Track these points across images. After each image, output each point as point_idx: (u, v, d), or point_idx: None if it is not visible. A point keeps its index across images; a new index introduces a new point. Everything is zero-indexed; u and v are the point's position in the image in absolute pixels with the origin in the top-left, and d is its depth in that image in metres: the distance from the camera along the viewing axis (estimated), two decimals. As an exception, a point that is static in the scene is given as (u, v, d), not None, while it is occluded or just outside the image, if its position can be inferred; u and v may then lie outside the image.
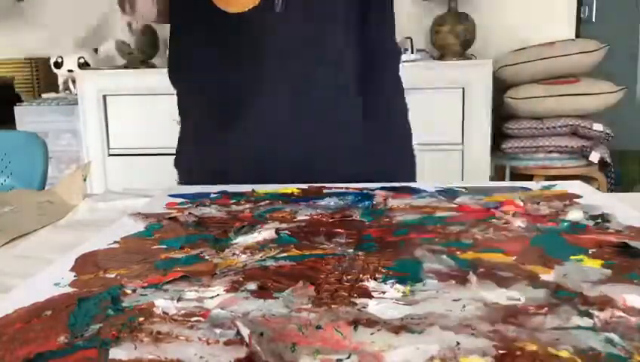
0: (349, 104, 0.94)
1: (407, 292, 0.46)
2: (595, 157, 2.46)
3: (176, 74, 1.02)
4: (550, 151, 2.54)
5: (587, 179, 2.39)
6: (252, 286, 0.48)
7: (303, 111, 0.92)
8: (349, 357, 0.37)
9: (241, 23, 0.88)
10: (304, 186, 0.87)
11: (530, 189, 0.82)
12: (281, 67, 0.90)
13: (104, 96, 2.26)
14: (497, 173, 2.72)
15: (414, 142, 1.04)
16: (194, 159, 1.03)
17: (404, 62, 2.27)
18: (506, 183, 0.85)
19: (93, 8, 2.50)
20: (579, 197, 0.77)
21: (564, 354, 0.36)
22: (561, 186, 0.83)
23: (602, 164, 2.53)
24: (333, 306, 0.44)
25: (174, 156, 1.06)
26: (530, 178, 2.47)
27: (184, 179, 1.05)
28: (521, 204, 0.72)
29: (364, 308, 0.44)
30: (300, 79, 0.91)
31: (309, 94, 0.91)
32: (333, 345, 0.39)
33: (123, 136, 2.27)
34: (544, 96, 2.48)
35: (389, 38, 1.00)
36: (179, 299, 0.46)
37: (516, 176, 2.63)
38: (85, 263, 0.56)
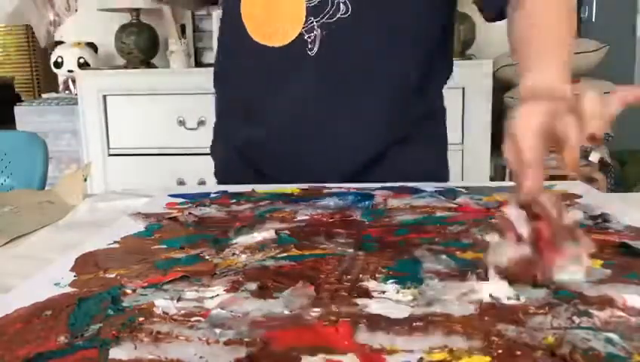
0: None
1: (417, 295, 0.46)
2: (595, 157, 2.46)
3: (219, 83, 1.03)
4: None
5: (587, 179, 2.39)
6: (252, 286, 0.48)
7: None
8: (349, 358, 0.37)
9: (274, 57, 0.90)
10: (304, 186, 0.87)
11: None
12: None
13: (104, 96, 2.25)
14: (497, 173, 2.72)
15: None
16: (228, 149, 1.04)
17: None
18: (506, 183, 0.85)
19: None
20: (579, 197, 0.77)
21: (564, 353, 0.36)
22: (561, 186, 0.83)
23: (602, 164, 2.53)
24: (333, 306, 0.44)
25: (210, 147, 1.09)
26: (530, 178, 2.47)
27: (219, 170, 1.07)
28: (521, 203, 0.72)
29: (365, 308, 0.44)
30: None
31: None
32: (334, 344, 0.39)
33: (123, 136, 2.27)
34: (544, 96, 2.48)
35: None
36: (179, 299, 0.46)
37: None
38: (85, 263, 0.56)
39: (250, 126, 0.95)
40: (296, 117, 0.90)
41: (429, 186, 0.84)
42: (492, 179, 2.53)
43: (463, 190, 0.82)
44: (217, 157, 1.07)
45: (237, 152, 0.99)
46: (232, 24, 0.93)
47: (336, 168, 0.91)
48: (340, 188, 0.85)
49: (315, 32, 0.87)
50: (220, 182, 1.03)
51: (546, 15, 0.79)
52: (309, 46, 0.87)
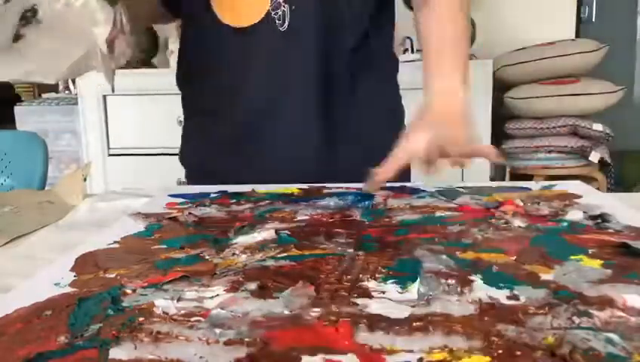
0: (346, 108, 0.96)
1: (417, 295, 0.46)
2: (595, 157, 2.46)
3: (184, 81, 1.05)
4: (550, 151, 2.54)
5: (587, 179, 2.39)
6: (252, 286, 0.48)
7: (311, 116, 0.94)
8: (349, 358, 0.37)
9: (246, 36, 0.91)
10: (304, 186, 0.87)
11: (530, 189, 0.82)
12: (285, 79, 0.92)
13: (104, 96, 2.26)
14: (497, 173, 2.72)
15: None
16: (197, 157, 1.05)
17: (404, 62, 2.27)
18: (506, 183, 0.85)
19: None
20: (579, 197, 0.77)
21: (564, 354, 0.36)
22: (561, 186, 0.83)
23: (602, 164, 2.53)
24: (333, 306, 0.44)
25: (179, 154, 1.10)
26: (530, 178, 2.47)
27: (190, 176, 1.08)
28: (521, 204, 0.72)
29: (365, 308, 0.44)
30: (308, 88, 0.92)
31: (316, 101, 0.93)
32: (334, 344, 0.39)
33: (123, 136, 2.27)
34: (544, 96, 2.48)
35: (388, 49, 1.04)
36: (179, 299, 0.46)
37: (516, 176, 2.63)
38: (85, 263, 0.56)
39: (223, 120, 0.96)
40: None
41: (429, 186, 0.84)
42: (492, 179, 2.53)
43: (462, 190, 0.82)
44: (189, 162, 1.08)
45: (214, 149, 0.99)
46: (200, 17, 0.94)
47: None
48: (340, 188, 0.85)
49: (282, 8, 0.88)
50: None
51: (445, 16, 0.89)
52: (278, 22, 0.89)
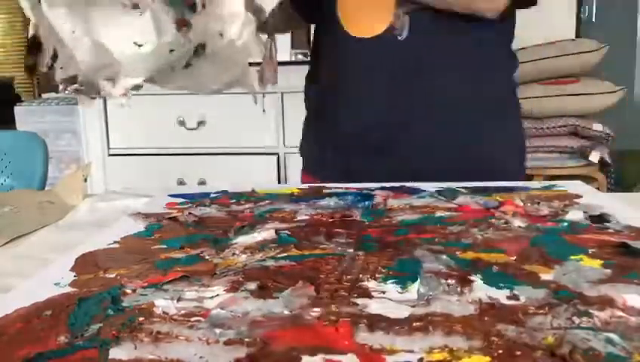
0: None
1: (417, 295, 0.46)
2: (595, 157, 2.46)
3: (310, 85, 1.11)
4: (550, 151, 2.54)
5: (587, 179, 2.39)
6: (252, 286, 0.48)
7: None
8: (349, 358, 0.37)
9: (366, 47, 0.94)
10: (304, 186, 0.87)
11: (530, 189, 0.82)
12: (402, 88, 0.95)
13: (104, 96, 2.26)
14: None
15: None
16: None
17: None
18: (506, 183, 0.85)
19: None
20: (579, 197, 0.77)
21: (564, 354, 0.36)
22: (561, 186, 0.83)
23: (602, 164, 2.53)
24: (333, 306, 0.44)
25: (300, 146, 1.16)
26: (530, 178, 2.47)
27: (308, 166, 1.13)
28: (521, 204, 0.72)
29: (365, 308, 0.44)
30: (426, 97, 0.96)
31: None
32: (334, 344, 0.39)
33: (123, 136, 2.27)
34: (544, 96, 2.48)
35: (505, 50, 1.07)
36: (179, 299, 0.46)
37: (516, 176, 2.63)
38: (85, 263, 0.56)
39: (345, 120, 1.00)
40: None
41: (429, 186, 0.84)
42: (492, 179, 2.53)
43: (462, 190, 0.81)
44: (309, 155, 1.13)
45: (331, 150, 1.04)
46: (329, 25, 0.97)
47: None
48: (340, 188, 0.85)
49: (401, 19, 0.92)
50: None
51: None
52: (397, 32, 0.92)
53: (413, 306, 0.44)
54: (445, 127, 0.96)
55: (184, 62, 0.76)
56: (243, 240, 0.62)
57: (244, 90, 0.85)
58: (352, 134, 0.99)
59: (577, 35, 2.81)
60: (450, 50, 0.95)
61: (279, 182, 2.11)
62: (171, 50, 0.72)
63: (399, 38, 0.92)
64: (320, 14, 1.01)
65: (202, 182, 2.06)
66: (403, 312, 0.43)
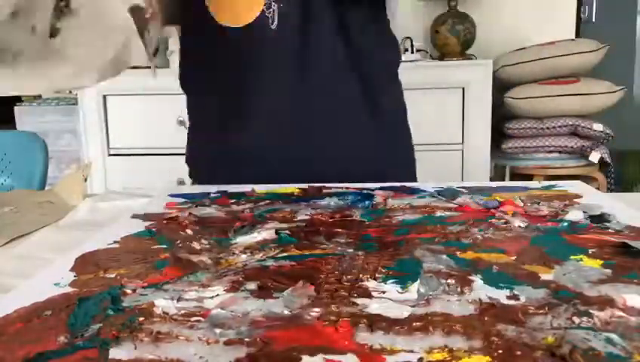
0: (351, 105, 0.97)
1: (417, 295, 0.46)
2: (595, 157, 2.46)
3: (186, 83, 1.07)
4: (550, 151, 2.54)
5: (587, 179, 2.39)
6: (252, 286, 0.48)
7: (304, 115, 0.95)
8: (349, 357, 0.37)
9: (241, 37, 0.93)
10: (304, 186, 0.87)
11: (530, 189, 0.82)
12: (278, 78, 0.94)
13: (104, 96, 2.26)
14: (497, 173, 2.72)
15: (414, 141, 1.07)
16: (204, 157, 1.06)
17: (404, 62, 2.27)
18: (506, 183, 0.85)
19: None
20: (579, 197, 0.77)
21: (564, 353, 0.36)
22: (561, 186, 0.83)
23: (602, 164, 2.53)
24: (333, 306, 0.44)
25: (185, 155, 1.11)
26: (530, 178, 2.47)
27: (196, 177, 1.09)
28: (521, 204, 0.72)
29: (365, 308, 0.44)
30: (298, 87, 0.94)
31: (308, 99, 0.95)
32: (334, 344, 0.39)
33: (123, 136, 2.27)
34: (544, 96, 2.48)
35: (387, 47, 1.04)
36: (179, 299, 0.46)
37: (516, 176, 2.63)
38: (85, 263, 0.56)
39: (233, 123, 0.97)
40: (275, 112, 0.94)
41: (428, 186, 0.84)
42: (492, 179, 2.53)
43: (463, 190, 0.82)
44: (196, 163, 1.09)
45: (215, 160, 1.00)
46: (197, 17, 0.95)
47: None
48: (340, 188, 0.85)
49: (272, 8, 0.90)
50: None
51: None
52: (270, 21, 0.90)
53: (413, 306, 0.44)
54: (326, 126, 0.96)
55: (46, 27, 0.55)
56: (243, 240, 0.62)
57: (134, 60, 0.69)
58: (243, 142, 0.96)
59: (577, 35, 2.82)
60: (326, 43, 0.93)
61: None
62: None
63: (272, 26, 0.90)
64: (188, 12, 0.98)
65: (202, 183, 2.07)
66: (403, 312, 0.43)
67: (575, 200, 0.75)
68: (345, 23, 0.95)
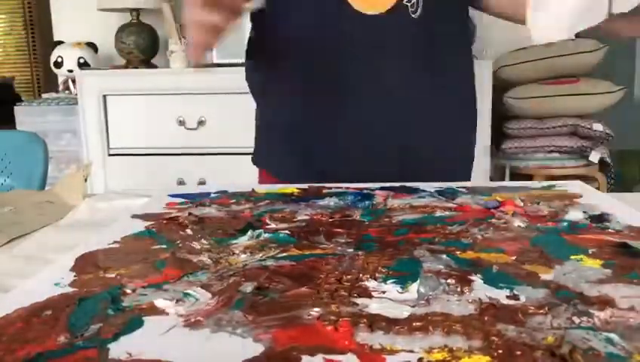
0: (467, 106, 1.01)
1: (417, 295, 0.46)
2: (595, 157, 2.46)
3: (282, 76, 1.00)
4: (550, 151, 2.54)
5: (587, 179, 2.39)
6: (251, 286, 0.48)
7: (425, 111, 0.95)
8: (348, 357, 0.37)
9: (377, 24, 0.91)
10: (304, 186, 0.87)
11: (530, 189, 0.82)
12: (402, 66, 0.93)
13: (104, 96, 2.25)
14: (497, 173, 2.72)
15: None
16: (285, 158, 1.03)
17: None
18: (506, 183, 0.85)
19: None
20: (579, 197, 0.77)
21: (564, 353, 0.36)
22: (561, 186, 0.83)
23: (602, 164, 2.53)
24: (333, 306, 0.44)
25: (252, 155, 1.09)
26: (530, 178, 2.48)
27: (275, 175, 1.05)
28: (521, 204, 0.72)
29: (365, 308, 0.44)
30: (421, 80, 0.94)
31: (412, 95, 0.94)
32: (333, 344, 0.39)
33: (123, 136, 2.27)
34: (544, 96, 2.48)
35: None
36: (179, 300, 0.46)
37: (516, 176, 2.63)
38: (85, 263, 0.56)
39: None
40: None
41: (429, 186, 0.84)
42: (492, 179, 2.53)
43: (463, 190, 0.82)
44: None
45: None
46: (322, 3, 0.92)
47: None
48: (340, 187, 0.85)
49: None
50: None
51: None
52: (412, 9, 0.89)
53: (413, 306, 0.44)
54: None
55: None
56: (243, 240, 0.62)
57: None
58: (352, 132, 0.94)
59: (577, 35, 2.81)
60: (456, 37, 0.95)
61: (279, 181, 2.11)
62: None
63: (413, 15, 0.90)
64: None
65: (202, 182, 2.06)
66: (403, 312, 0.43)
67: (575, 200, 0.75)
68: (463, 17, 0.97)
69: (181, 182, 2.13)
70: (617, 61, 2.76)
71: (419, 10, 0.89)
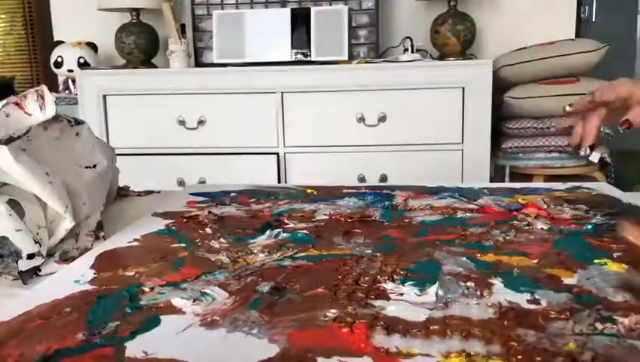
0: None
1: (435, 298, 0.46)
2: (595, 157, 2.46)
3: None
4: (550, 151, 2.54)
5: (587, 179, 2.39)
6: (268, 285, 0.48)
7: None
8: (364, 361, 0.36)
9: None
10: (323, 186, 0.86)
11: (553, 191, 0.82)
12: None
13: (104, 96, 2.24)
14: (497, 173, 2.72)
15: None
16: None
17: (403, 61, 2.26)
18: (530, 184, 0.84)
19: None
20: (604, 199, 0.76)
21: (585, 361, 0.36)
22: (585, 188, 0.83)
23: (602, 164, 2.53)
24: (349, 307, 0.44)
25: None
26: (530, 178, 2.47)
27: None
28: (544, 206, 0.72)
29: (382, 310, 0.44)
30: None
31: None
32: (349, 347, 0.38)
33: (123, 136, 2.26)
34: (544, 96, 2.48)
35: None
36: (196, 299, 0.46)
37: (516, 175, 2.63)
38: (105, 261, 0.56)
39: None
40: None
41: (450, 186, 0.83)
42: (492, 179, 2.53)
43: (484, 191, 0.81)
44: None
45: None
46: None
47: None
48: (360, 188, 0.84)
49: None
50: None
51: None
52: None
53: (431, 309, 0.44)
54: None
55: None
56: (261, 239, 0.62)
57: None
58: None
59: (577, 35, 2.81)
60: None
61: (279, 182, 2.11)
62: None
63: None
64: None
65: (202, 182, 2.06)
66: (420, 315, 0.43)
67: (599, 201, 0.74)
68: None
69: (181, 182, 2.11)
70: (617, 61, 2.76)
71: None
